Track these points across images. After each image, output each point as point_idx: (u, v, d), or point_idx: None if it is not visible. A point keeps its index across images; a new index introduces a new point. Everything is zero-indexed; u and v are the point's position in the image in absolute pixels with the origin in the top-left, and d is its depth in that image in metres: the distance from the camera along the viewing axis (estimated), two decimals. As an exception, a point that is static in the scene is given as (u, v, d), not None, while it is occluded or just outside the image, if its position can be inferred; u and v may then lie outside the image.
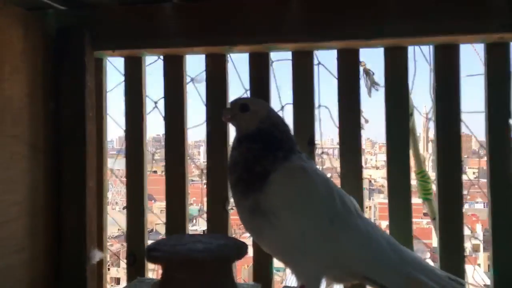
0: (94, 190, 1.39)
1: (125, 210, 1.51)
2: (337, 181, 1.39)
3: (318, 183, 1.09)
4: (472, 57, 1.44)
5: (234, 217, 1.34)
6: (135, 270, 1.45)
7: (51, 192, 1.34)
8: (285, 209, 1.06)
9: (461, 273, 1.29)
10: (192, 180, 1.49)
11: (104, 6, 1.40)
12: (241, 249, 1.03)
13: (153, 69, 1.52)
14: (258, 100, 1.21)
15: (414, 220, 1.39)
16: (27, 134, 1.25)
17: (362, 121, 1.40)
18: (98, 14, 1.41)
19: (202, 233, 1.22)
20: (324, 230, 1.06)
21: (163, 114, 1.47)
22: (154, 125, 1.52)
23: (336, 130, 1.39)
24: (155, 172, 1.52)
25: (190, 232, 1.51)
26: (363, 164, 1.42)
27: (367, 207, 1.35)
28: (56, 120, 1.35)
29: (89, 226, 1.35)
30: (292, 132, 1.37)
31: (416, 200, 1.42)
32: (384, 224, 1.28)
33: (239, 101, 1.19)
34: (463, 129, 1.34)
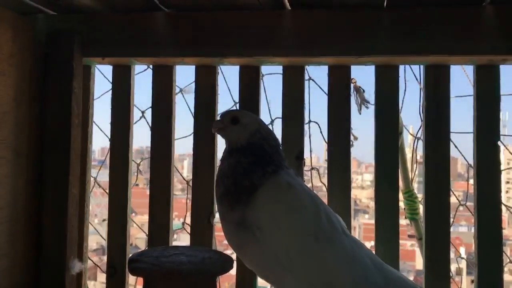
0: (76, 199, 1.36)
1: (104, 223, 1.47)
2: (324, 198, 1.38)
3: (304, 200, 1.08)
4: (461, 78, 1.45)
5: (218, 233, 1.32)
6: (115, 282, 1.42)
7: (32, 199, 1.30)
8: (271, 224, 1.04)
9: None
10: (175, 194, 1.46)
11: (95, 13, 1.39)
12: (226, 262, 1.01)
13: (142, 78, 1.51)
14: (248, 113, 1.20)
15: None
16: (11, 139, 1.22)
17: (351, 137, 1.40)
18: (89, 21, 1.39)
19: (185, 246, 1.19)
20: (309, 247, 1.04)
21: (150, 124, 1.46)
22: (139, 136, 1.50)
23: (325, 146, 1.39)
24: (137, 185, 1.50)
25: (172, 247, 1.48)
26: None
27: (352, 227, 1.34)
28: (41, 125, 1.33)
29: (70, 235, 1.31)
30: (281, 146, 1.36)
31: (401, 221, 1.42)
32: (369, 245, 1.27)
33: (229, 113, 1.18)
34: (451, 150, 1.34)
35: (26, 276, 1.29)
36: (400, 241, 1.36)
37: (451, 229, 1.35)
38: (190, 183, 1.43)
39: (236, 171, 1.09)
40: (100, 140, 1.50)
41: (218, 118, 1.21)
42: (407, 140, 1.53)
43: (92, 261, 1.55)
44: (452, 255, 1.45)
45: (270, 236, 1.04)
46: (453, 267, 1.44)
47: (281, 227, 1.04)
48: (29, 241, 1.30)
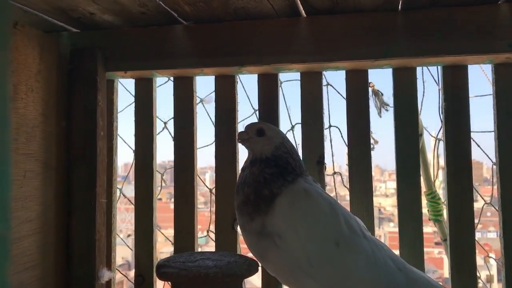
0: (104, 209, 1.40)
1: (129, 238, 1.50)
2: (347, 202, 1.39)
3: (323, 206, 1.09)
4: (480, 78, 1.45)
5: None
6: (143, 291, 1.45)
7: (61, 210, 1.34)
8: (290, 231, 1.05)
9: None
10: (198, 208, 1.49)
11: (117, 29, 1.44)
12: (251, 266, 1.03)
13: (163, 90, 1.55)
14: (273, 127, 1.22)
15: (425, 249, 1.38)
16: (40, 152, 1.26)
17: (372, 141, 1.40)
18: (111, 36, 1.44)
19: (211, 251, 1.21)
20: (330, 252, 1.05)
21: (173, 134, 1.49)
22: (161, 150, 1.53)
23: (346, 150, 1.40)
24: (160, 199, 1.52)
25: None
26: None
27: (378, 236, 1.34)
28: (68, 139, 1.37)
29: (98, 244, 1.35)
30: (301, 152, 1.38)
31: (427, 229, 1.41)
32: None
33: (255, 125, 1.20)
34: (474, 153, 1.34)
35: (57, 285, 1.32)
36: (427, 249, 1.35)
37: (479, 235, 1.33)
38: (213, 191, 1.46)
39: (258, 180, 1.11)
40: (123, 156, 1.54)
41: (242, 129, 1.23)
42: (429, 141, 1.53)
43: (119, 270, 1.58)
44: (481, 261, 1.44)
45: (290, 243, 1.05)
46: (483, 274, 1.42)
47: (300, 234, 1.06)
48: (59, 251, 1.34)
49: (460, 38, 1.26)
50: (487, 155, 1.37)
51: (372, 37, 1.30)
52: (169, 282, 1.01)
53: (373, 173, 1.41)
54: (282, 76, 1.45)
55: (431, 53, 1.27)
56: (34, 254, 1.24)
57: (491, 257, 1.47)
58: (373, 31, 1.30)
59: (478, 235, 1.33)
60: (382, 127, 1.50)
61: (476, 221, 1.34)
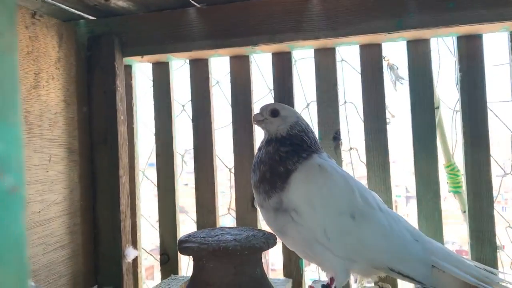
0: (127, 190, 1.44)
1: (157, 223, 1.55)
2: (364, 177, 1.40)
3: (337, 180, 1.11)
4: (499, 47, 1.43)
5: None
6: (168, 268, 1.50)
7: (86, 192, 1.40)
8: (306, 206, 1.08)
9: (493, 264, 1.27)
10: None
11: (132, 15, 1.47)
12: (269, 239, 1.06)
13: (180, 73, 1.58)
14: (287, 107, 1.23)
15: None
16: (63, 137, 1.31)
17: (388, 115, 1.41)
18: (126, 22, 1.47)
19: (231, 227, 1.24)
20: (346, 225, 1.07)
21: (191, 116, 1.52)
22: (180, 132, 1.57)
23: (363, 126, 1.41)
24: (186, 184, 1.56)
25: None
26: (396, 171, 1.41)
27: (405, 215, 1.35)
28: (89, 123, 1.42)
29: (123, 224, 1.40)
30: (317, 129, 1.40)
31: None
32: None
33: (269, 106, 1.21)
34: (493, 121, 1.33)
35: (86, 264, 1.38)
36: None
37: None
38: (233, 170, 1.49)
39: (273, 158, 1.13)
40: (148, 141, 1.57)
41: (257, 108, 1.25)
42: (447, 114, 1.52)
43: (147, 251, 1.63)
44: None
45: (306, 218, 1.07)
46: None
47: (316, 208, 1.08)
48: (86, 232, 1.39)
49: (473, 6, 1.24)
50: (505, 125, 1.36)
51: (383, 10, 1.29)
52: (191, 257, 1.05)
53: (392, 150, 1.41)
54: (296, 54, 1.46)
55: (444, 23, 1.26)
56: (63, 234, 1.29)
57: None
58: (384, 4, 1.29)
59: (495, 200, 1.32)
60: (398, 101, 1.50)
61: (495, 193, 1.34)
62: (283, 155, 1.12)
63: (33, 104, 1.21)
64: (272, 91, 1.47)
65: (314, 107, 1.45)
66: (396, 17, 1.28)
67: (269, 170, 1.12)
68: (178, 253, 1.48)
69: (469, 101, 1.33)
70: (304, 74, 1.49)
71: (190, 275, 1.10)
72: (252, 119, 1.26)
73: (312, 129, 1.23)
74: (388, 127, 1.40)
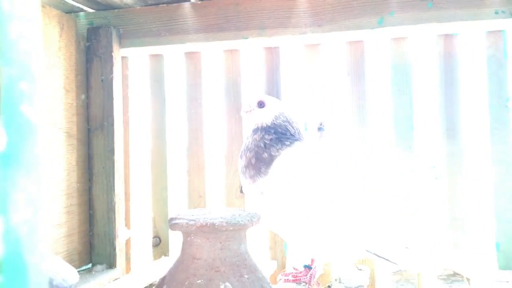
0: (122, 174, 1.52)
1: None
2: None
3: (316, 166, 1.19)
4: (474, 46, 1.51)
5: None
6: (159, 251, 1.58)
7: (83, 175, 1.47)
8: (288, 190, 1.15)
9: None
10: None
11: (129, 8, 1.54)
12: (253, 217, 1.13)
13: (174, 65, 1.65)
14: (273, 98, 1.31)
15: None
16: (62, 122, 1.39)
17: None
18: (124, 15, 1.55)
19: (219, 207, 1.32)
20: (325, 208, 1.15)
21: (185, 106, 1.60)
22: (173, 121, 1.64)
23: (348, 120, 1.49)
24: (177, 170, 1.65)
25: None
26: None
27: None
28: (87, 110, 1.49)
29: (117, 207, 1.47)
30: (303, 119, 1.48)
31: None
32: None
33: (256, 98, 1.29)
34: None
35: (81, 243, 1.46)
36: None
37: None
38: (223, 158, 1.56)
39: (258, 145, 1.20)
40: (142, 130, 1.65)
41: (245, 102, 1.32)
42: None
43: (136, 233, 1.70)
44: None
45: (288, 200, 1.15)
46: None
47: (297, 191, 1.15)
48: (82, 212, 1.47)
49: (449, 7, 1.33)
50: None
51: (366, 8, 1.38)
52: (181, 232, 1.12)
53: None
54: (284, 49, 1.55)
55: (423, 21, 1.35)
56: (60, 214, 1.37)
57: None
58: (367, 3, 1.38)
59: None
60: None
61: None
62: (268, 143, 1.20)
63: (35, 89, 1.28)
64: (263, 84, 1.55)
65: (300, 100, 1.53)
66: (378, 15, 1.37)
67: (254, 156, 1.19)
68: (169, 236, 1.56)
69: (446, 98, 1.42)
70: (292, 68, 1.58)
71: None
72: (241, 111, 1.34)
73: (297, 120, 1.30)
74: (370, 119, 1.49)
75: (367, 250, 1.17)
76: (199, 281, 1.05)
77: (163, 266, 1.37)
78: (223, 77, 1.57)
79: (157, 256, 1.57)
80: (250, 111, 1.27)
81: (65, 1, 1.45)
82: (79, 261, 1.44)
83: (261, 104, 1.26)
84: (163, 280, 1.10)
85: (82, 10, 1.54)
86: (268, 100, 1.28)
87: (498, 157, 1.35)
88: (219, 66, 1.59)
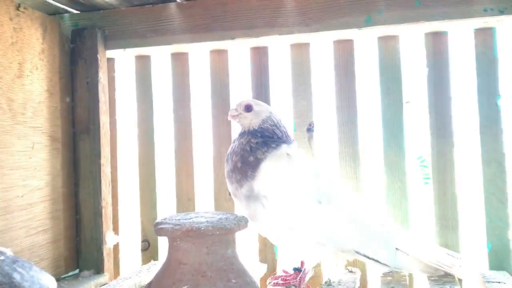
0: (108, 178, 1.50)
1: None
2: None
3: (303, 167, 1.17)
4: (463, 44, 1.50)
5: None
6: (148, 255, 1.56)
7: (69, 179, 1.45)
8: (275, 193, 1.14)
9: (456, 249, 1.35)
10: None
11: (114, 9, 1.52)
12: (240, 221, 1.10)
13: (161, 66, 1.63)
14: (261, 102, 1.29)
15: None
16: (46, 126, 1.36)
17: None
18: (109, 16, 1.52)
19: (206, 211, 1.30)
20: (313, 209, 1.14)
21: (172, 107, 1.58)
22: (161, 123, 1.62)
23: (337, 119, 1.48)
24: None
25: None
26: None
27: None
28: (72, 113, 1.47)
29: (104, 211, 1.45)
30: (292, 120, 1.47)
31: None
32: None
33: (244, 102, 1.27)
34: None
35: (67, 249, 1.43)
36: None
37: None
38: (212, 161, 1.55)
39: (244, 149, 1.18)
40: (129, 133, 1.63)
41: (232, 106, 1.30)
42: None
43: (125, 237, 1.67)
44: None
45: (275, 203, 1.13)
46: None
47: (284, 194, 1.14)
48: (68, 217, 1.45)
49: (437, 5, 1.31)
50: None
51: (354, 7, 1.37)
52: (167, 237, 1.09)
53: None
54: (272, 49, 1.53)
55: (410, 20, 1.33)
56: (45, 219, 1.35)
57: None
58: (355, 1, 1.36)
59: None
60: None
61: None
62: (254, 146, 1.18)
63: (17, 93, 1.26)
64: (250, 84, 1.53)
65: (289, 100, 1.51)
66: (366, 13, 1.35)
67: (240, 159, 1.17)
68: (158, 240, 1.54)
69: (435, 95, 1.40)
70: (280, 68, 1.56)
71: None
72: (228, 115, 1.32)
73: (285, 123, 1.28)
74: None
75: (356, 252, 1.16)
76: (186, 286, 1.03)
77: (151, 271, 1.35)
78: (211, 77, 1.55)
79: (146, 260, 1.55)
80: (237, 115, 1.26)
81: (49, 3, 1.42)
82: (66, 267, 1.42)
83: (248, 108, 1.25)
84: (149, 286, 1.08)
85: (67, 11, 1.51)
86: (256, 104, 1.26)
87: (489, 156, 1.34)
88: (206, 67, 1.57)
